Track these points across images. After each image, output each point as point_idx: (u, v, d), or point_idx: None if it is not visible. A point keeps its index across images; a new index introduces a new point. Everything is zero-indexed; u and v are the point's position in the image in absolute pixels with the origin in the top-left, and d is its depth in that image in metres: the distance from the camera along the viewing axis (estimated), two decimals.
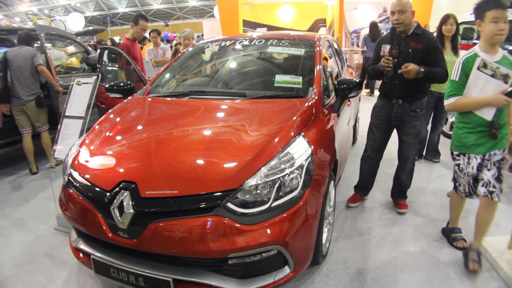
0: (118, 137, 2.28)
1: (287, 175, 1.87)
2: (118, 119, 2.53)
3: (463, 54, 2.33)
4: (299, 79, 2.72)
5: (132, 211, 1.77)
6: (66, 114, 3.17)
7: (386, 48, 2.79)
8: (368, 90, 8.93)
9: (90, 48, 5.87)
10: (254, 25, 12.56)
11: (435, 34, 5.43)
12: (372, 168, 3.26)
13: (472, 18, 5.01)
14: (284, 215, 1.81)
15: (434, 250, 2.59)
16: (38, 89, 4.22)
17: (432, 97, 3.94)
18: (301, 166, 1.94)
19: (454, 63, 3.87)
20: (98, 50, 4.96)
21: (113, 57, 4.81)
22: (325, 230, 2.38)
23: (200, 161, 1.94)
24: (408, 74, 2.68)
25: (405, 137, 3.00)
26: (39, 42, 4.51)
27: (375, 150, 3.18)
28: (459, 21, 3.95)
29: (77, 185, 2.05)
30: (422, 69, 2.67)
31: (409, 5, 2.75)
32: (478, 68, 2.20)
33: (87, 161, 2.14)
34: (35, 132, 4.32)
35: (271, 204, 1.80)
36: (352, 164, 3.47)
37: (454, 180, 2.54)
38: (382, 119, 3.05)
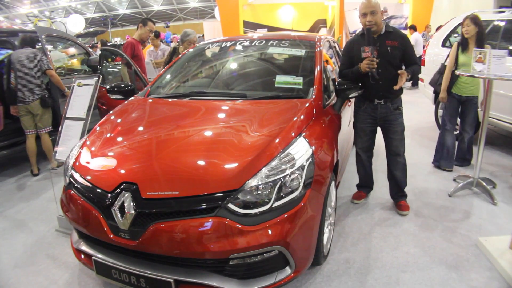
0: (119, 139, 2.29)
1: (288, 176, 1.87)
2: (119, 121, 2.54)
3: None
4: (300, 79, 2.73)
5: (133, 212, 1.77)
6: (67, 115, 3.17)
7: (367, 50, 2.75)
8: None
9: (90, 50, 5.88)
10: (254, 26, 12.61)
11: (440, 33, 5.28)
12: (367, 168, 3.33)
13: None
14: (285, 215, 1.81)
15: (435, 250, 2.58)
16: (43, 90, 4.24)
17: (454, 99, 3.78)
18: (302, 167, 1.94)
19: None
20: (98, 51, 4.98)
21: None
22: (326, 230, 2.38)
23: (201, 162, 1.94)
24: (401, 80, 2.79)
25: (392, 135, 3.04)
26: (40, 44, 4.53)
27: (365, 151, 3.25)
28: (460, 22, 3.87)
29: (78, 186, 2.06)
30: (409, 75, 2.85)
31: (378, 5, 2.83)
32: None
33: (88, 163, 2.14)
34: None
35: (272, 204, 1.80)
36: (353, 165, 3.47)
37: None
38: (367, 122, 3.08)
